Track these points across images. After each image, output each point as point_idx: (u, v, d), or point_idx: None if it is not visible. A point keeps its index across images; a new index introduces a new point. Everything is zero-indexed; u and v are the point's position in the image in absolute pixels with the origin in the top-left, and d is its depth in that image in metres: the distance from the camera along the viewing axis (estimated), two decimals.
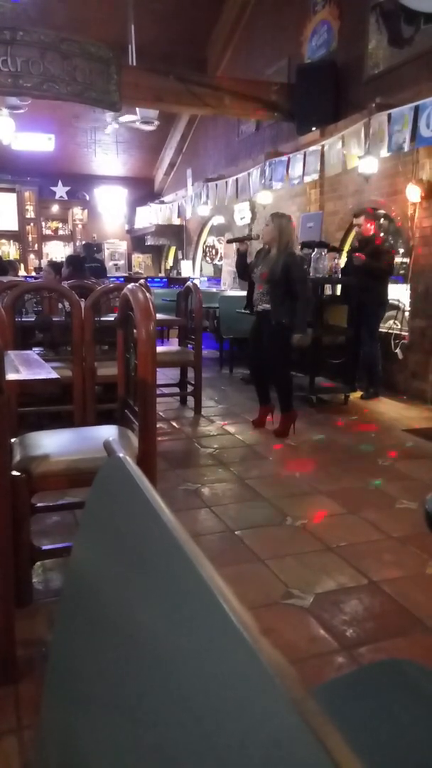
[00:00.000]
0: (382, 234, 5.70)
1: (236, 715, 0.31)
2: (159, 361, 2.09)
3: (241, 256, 4.62)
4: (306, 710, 0.29)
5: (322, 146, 6.11)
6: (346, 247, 6.42)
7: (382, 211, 6.24)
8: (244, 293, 7.82)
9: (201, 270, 12.51)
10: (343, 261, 5.71)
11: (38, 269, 11.02)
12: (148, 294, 2.07)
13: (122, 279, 9.62)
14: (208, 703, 0.34)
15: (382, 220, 6.62)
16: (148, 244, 13.64)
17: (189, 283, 5.36)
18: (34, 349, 3.97)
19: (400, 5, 5.62)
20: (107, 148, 12.72)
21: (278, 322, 4.17)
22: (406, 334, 5.67)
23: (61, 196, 13.52)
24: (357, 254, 5.29)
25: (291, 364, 4.46)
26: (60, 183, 13.35)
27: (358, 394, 5.52)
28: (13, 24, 6.15)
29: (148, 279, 9.69)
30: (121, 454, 0.63)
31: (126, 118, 8.79)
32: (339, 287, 5.88)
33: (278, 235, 4.20)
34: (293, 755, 0.27)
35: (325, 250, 5.39)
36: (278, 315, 4.16)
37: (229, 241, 5.61)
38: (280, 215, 4.34)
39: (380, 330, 5.73)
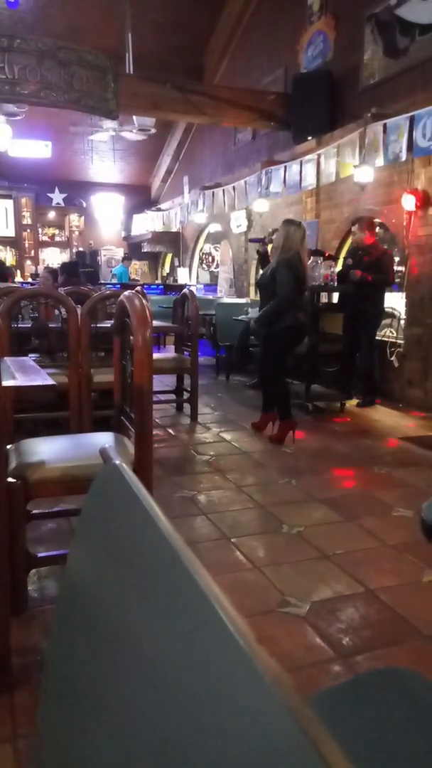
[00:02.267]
0: (384, 245, 5.71)
1: (232, 723, 0.31)
2: (155, 368, 2.09)
3: (262, 257, 4.70)
4: (302, 718, 0.29)
5: (318, 155, 6.15)
6: (342, 254, 6.44)
7: (377, 220, 6.27)
8: (240, 300, 7.86)
9: (197, 277, 12.55)
10: (338, 267, 5.73)
11: (35, 275, 11.05)
12: (144, 301, 2.08)
13: (118, 286, 9.64)
14: (205, 711, 0.34)
15: (378, 228, 6.65)
16: (145, 251, 13.68)
17: (185, 290, 5.37)
18: (30, 355, 3.96)
19: (396, 16, 5.68)
20: (104, 155, 12.77)
21: (266, 330, 4.21)
22: (402, 342, 5.69)
23: (57, 203, 13.56)
24: (355, 271, 5.29)
25: (285, 371, 4.46)
26: (57, 190, 13.39)
27: (355, 401, 5.53)
28: (11, 31, 6.19)
29: (145, 286, 9.70)
30: (117, 461, 0.63)
31: (116, 125, 8.83)
32: (335, 295, 5.90)
33: (282, 242, 4.21)
34: (290, 763, 0.27)
35: (321, 259, 5.41)
36: (270, 328, 4.19)
37: (251, 240, 5.77)
38: (289, 222, 4.32)
39: (376, 338, 5.75)
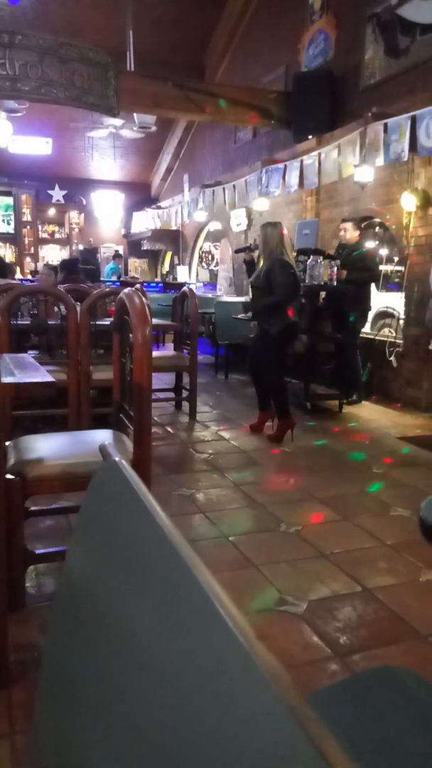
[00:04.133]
0: (366, 244, 5.74)
1: (232, 720, 0.31)
2: (154, 366, 2.09)
3: (249, 265, 4.72)
4: (301, 715, 0.29)
5: (319, 154, 6.15)
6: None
7: (377, 220, 6.26)
8: (239, 299, 7.86)
9: (197, 275, 12.54)
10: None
11: (34, 272, 11.04)
12: (144, 299, 2.08)
13: (118, 283, 9.64)
14: (204, 708, 0.34)
15: (377, 228, 6.65)
16: (145, 248, 13.66)
17: (185, 288, 5.36)
18: (29, 352, 3.96)
19: (397, 16, 5.67)
20: (104, 152, 12.75)
21: (264, 329, 4.25)
22: (401, 342, 5.69)
23: (58, 200, 13.53)
24: (342, 270, 5.34)
25: (284, 370, 4.49)
26: (57, 187, 13.37)
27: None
28: (12, 27, 6.17)
29: (144, 284, 9.70)
30: (116, 459, 0.63)
31: (116, 122, 8.81)
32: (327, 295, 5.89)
33: (263, 244, 4.31)
34: (289, 759, 0.27)
35: (321, 258, 5.41)
36: (264, 321, 4.23)
37: (237, 251, 5.75)
38: (266, 224, 4.41)
39: (377, 338, 5.76)
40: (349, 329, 5.45)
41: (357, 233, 5.63)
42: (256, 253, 5.11)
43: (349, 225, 5.59)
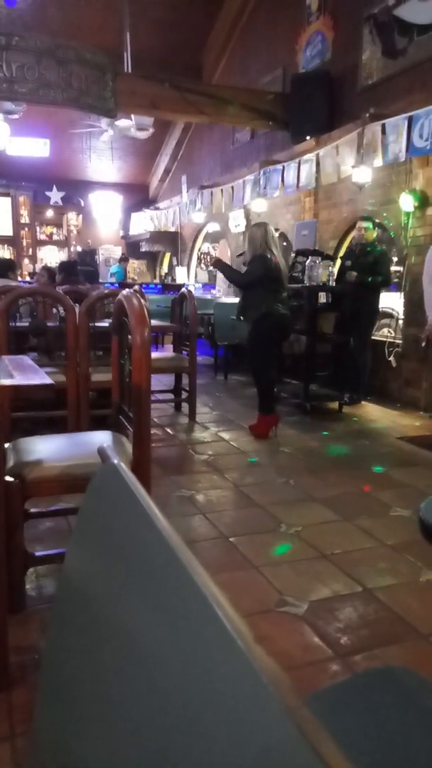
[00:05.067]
0: (378, 244, 5.73)
1: (230, 723, 0.31)
2: (153, 367, 2.09)
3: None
4: (300, 718, 0.29)
5: (317, 155, 6.15)
6: (340, 254, 6.44)
7: (377, 220, 6.27)
8: (238, 300, 7.86)
9: (196, 276, 12.54)
10: (336, 267, 5.73)
11: (32, 274, 11.03)
12: (142, 300, 2.07)
13: (117, 285, 9.64)
14: (202, 711, 0.34)
15: (376, 228, 6.64)
16: (143, 250, 13.66)
17: (183, 289, 5.36)
18: (28, 354, 3.95)
19: (394, 17, 5.68)
20: (102, 154, 12.75)
21: (250, 325, 4.35)
22: (400, 342, 5.70)
23: (55, 202, 13.52)
24: (351, 273, 5.34)
25: (268, 365, 4.51)
26: (55, 188, 13.36)
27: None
28: (9, 29, 6.17)
29: (143, 285, 9.70)
30: (115, 461, 0.63)
31: (122, 123, 8.82)
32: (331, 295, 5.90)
33: (248, 244, 4.43)
34: (287, 763, 0.27)
35: (319, 258, 5.41)
36: (246, 316, 4.38)
37: (238, 255, 5.80)
38: (252, 225, 4.55)
39: (375, 338, 5.76)
40: (363, 331, 5.45)
41: (374, 234, 5.64)
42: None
43: (369, 225, 5.58)
